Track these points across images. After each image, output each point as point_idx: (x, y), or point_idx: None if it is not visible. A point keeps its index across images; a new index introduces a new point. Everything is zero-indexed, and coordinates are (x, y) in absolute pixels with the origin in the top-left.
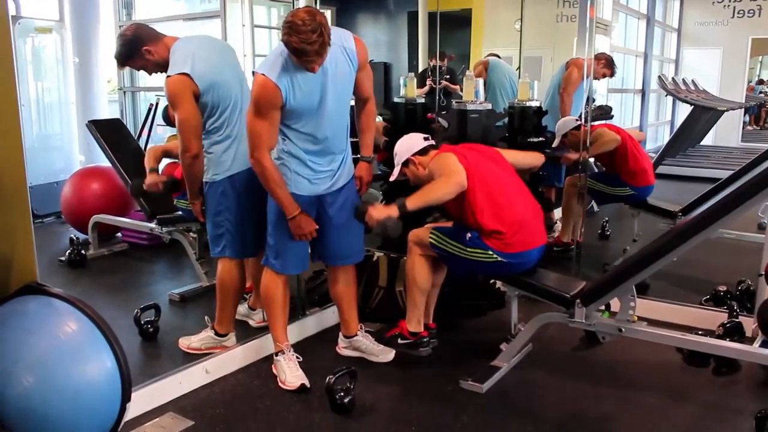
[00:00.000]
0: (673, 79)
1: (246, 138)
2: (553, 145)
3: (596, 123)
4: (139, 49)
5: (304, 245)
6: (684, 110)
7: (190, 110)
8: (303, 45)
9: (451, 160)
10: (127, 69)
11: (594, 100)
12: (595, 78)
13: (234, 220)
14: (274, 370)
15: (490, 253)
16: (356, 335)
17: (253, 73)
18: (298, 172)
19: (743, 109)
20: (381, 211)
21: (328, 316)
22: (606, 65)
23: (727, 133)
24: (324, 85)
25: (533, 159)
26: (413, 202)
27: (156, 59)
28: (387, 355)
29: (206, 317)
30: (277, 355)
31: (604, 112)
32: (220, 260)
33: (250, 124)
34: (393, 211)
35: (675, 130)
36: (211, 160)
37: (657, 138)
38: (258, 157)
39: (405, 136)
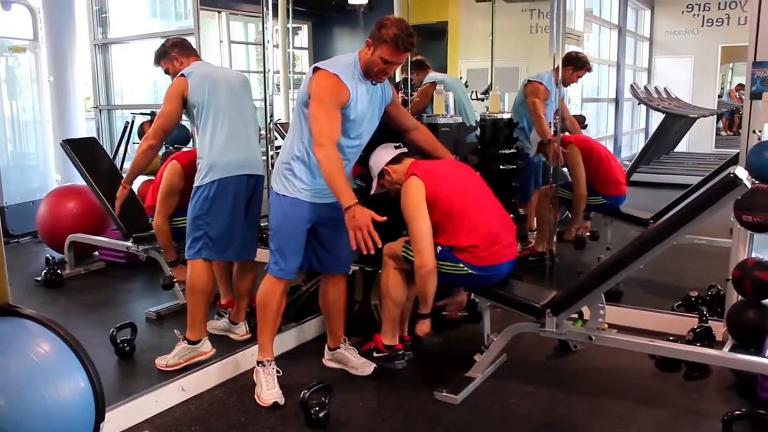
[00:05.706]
0: (645, 87)
1: (234, 148)
2: (531, 155)
3: (568, 134)
4: (170, 53)
5: (299, 253)
6: (658, 118)
7: (173, 108)
8: (404, 38)
9: (414, 198)
10: (102, 87)
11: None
12: (570, 83)
13: (213, 223)
14: (255, 378)
15: (461, 266)
16: (339, 348)
17: (315, 69)
18: (303, 180)
19: (716, 116)
20: (423, 329)
21: (306, 332)
22: (574, 69)
23: (700, 139)
24: (369, 109)
25: None
26: (425, 308)
27: (176, 66)
28: (366, 368)
29: (175, 330)
30: (258, 364)
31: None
32: (190, 262)
33: (314, 114)
34: (426, 325)
35: (649, 137)
36: (201, 165)
37: (632, 146)
38: (321, 143)
39: (377, 149)
